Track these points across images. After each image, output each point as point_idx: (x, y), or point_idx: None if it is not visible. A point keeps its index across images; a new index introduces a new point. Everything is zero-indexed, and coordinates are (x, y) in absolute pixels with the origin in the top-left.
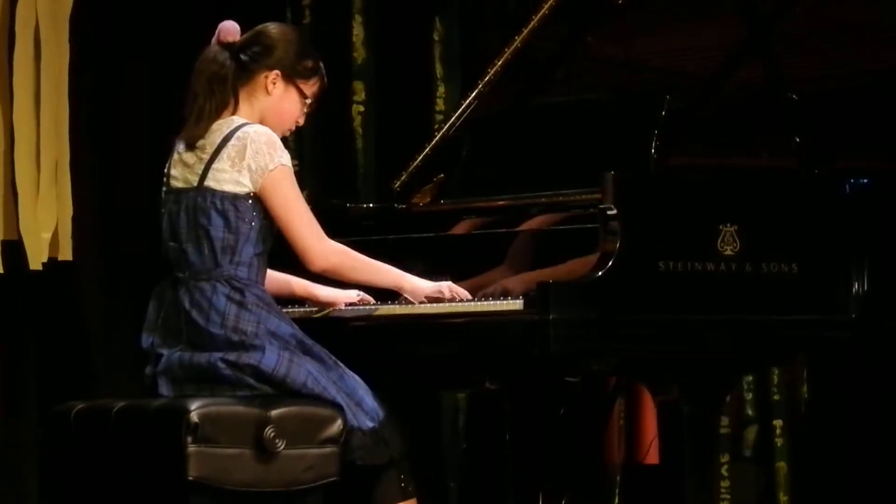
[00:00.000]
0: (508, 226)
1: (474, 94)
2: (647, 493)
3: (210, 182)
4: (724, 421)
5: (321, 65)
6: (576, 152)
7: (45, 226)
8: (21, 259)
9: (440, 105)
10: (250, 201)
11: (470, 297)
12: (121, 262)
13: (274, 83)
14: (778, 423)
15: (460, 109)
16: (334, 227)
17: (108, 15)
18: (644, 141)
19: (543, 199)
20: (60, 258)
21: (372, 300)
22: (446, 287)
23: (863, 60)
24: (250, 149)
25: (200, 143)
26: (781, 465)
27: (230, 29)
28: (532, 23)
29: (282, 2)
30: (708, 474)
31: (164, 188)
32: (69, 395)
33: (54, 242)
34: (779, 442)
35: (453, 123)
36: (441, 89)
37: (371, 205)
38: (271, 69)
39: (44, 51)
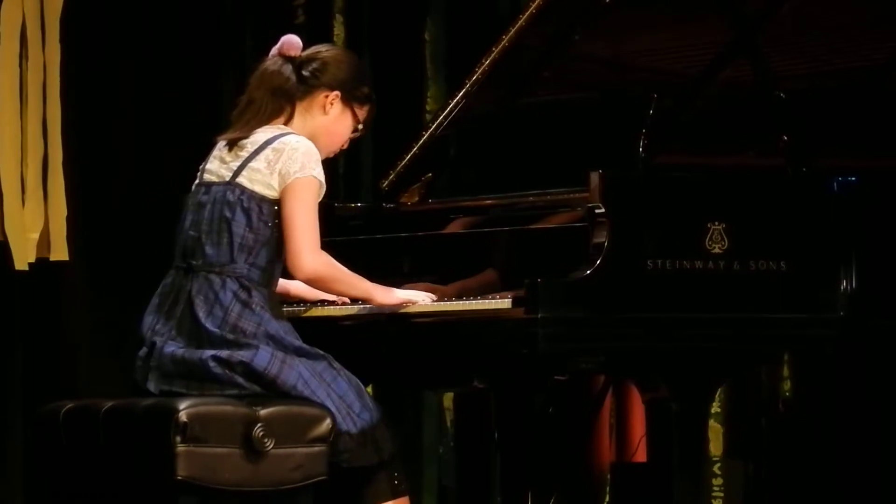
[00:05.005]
0: (496, 225)
1: (462, 93)
2: (637, 492)
3: (242, 179)
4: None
5: (373, 92)
6: (563, 151)
7: (32, 226)
8: (8, 259)
9: (430, 105)
10: (276, 207)
11: (435, 298)
12: (108, 262)
13: (332, 103)
14: None
15: (448, 108)
16: (321, 226)
17: (100, 15)
18: (632, 139)
19: (531, 199)
20: (54, 258)
21: (349, 302)
22: (415, 296)
23: (850, 58)
24: (286, 155)
25: (243, 142)
26: None
27: (293, 43)
28: (520, 22)
29: (274, 2)
30: (696, 472)
31: (196, 182)
32: (57, 395)
33: (42, 243)
34: None
35: (441, 123)
36: (432, 89)
37: (358, 204)
38: (332, 89)
39: (29, 51)
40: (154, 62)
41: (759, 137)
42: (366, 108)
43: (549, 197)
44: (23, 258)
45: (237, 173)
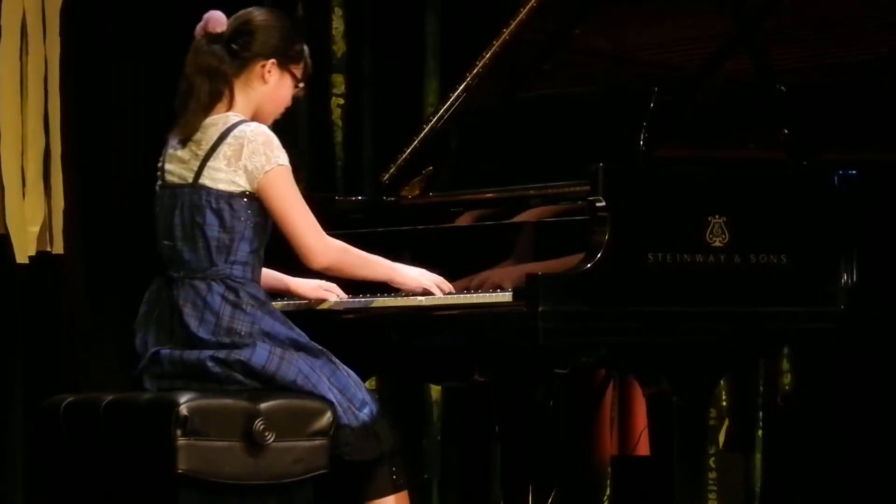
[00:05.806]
0: (497, 218)
1: (462, 86)
2: (638, 485)
3: (205, 180)
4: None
5: (305, 45)
6: (564, 145)
7: (33, 219)
8: (9, 252)
9: (431, 98)
10: (245, 199)
11: (453, 290)
12: (109, 256)
13: (270, 71)
14: None
15: (448, 102)
16: (322, 219)
17: (100, 10)
18: (632, 133)
19: (532, 192)
20: (54, 252)
21: (345, 296)
22: (434, 284)
23: (852, 52)
24: (247, 149)
25: (196, 137)
26: None
27: (219, 19)
28: (520, 15)
29: None
30: (697, 465)
31: (158, 182)
32: (57, 389)
33: (43, 236)
34: None
35: (442, 116)
36: (432, 82)
37: (359, 197)
38: (267, 57)
39: (30, 45)
40: (154, 62)
41: (760, 131)
42: (301, 65)
43: (549, 190)
44: (23, 251)
45: (199, 174)
